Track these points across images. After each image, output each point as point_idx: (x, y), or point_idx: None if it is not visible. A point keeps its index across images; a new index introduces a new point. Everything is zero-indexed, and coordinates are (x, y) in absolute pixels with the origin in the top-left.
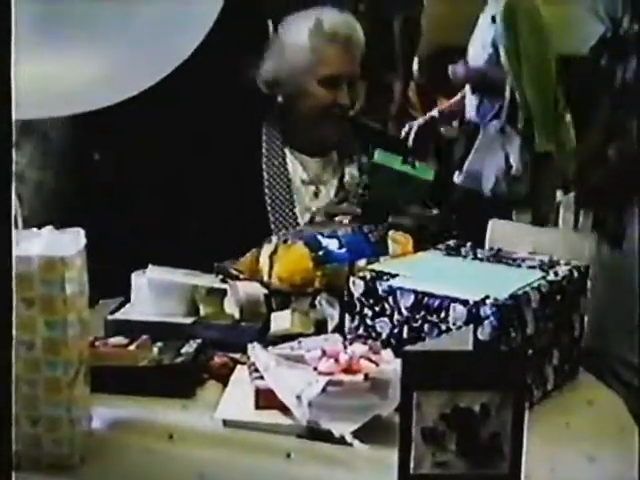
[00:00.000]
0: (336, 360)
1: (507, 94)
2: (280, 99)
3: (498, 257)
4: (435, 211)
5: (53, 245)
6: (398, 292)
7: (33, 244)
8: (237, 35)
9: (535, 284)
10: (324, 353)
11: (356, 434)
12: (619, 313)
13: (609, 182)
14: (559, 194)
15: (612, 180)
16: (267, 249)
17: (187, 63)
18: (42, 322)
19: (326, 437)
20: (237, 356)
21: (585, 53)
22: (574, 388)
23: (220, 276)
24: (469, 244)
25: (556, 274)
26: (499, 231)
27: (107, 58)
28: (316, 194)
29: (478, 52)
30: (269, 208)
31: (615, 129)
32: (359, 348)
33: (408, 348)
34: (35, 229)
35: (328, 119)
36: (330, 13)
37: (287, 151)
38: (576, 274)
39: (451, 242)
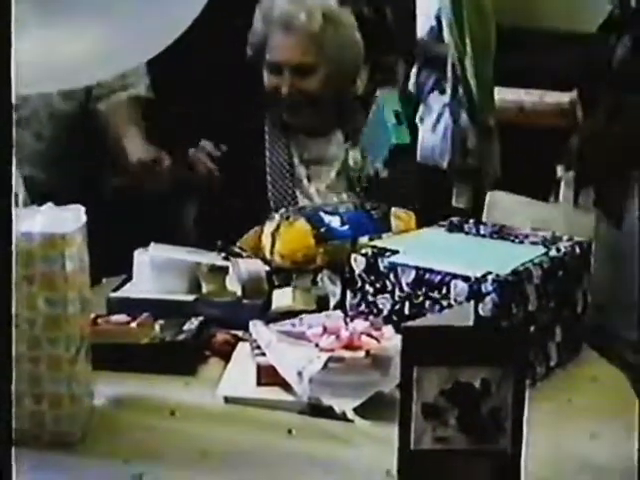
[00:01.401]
0: (337, 337)
1: (449, 68)
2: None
3: (501, 233)
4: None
5: (53, 222)
6: (399, 268)
7: (34, 221)
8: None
9: (537, 260)
10: (325, 330)
11: (357, 410)
12: (618, 291)
13: (610, 159)
14: (559, 170)
15: (613, 157)
16: (269, 226)
17: (193, 40)
18: (43, 299)
19: (327, 413)
20: (239, 333)
21: (592, 31)
22: (577, 365)
23: (222, 254)
24: (472, 220)
25: (558, 250)
26: (498, 203)
27: (103, 31)
28: (309, 177)
29: (422, 23)
30: (269, 186)
31: (617, 106)
32: (360, 324)
33: (408, 324)
34: (35, 206)
35: (279, 105)
36: None
37: (291, 133)
38: (578, 250)
39: (454, 219)
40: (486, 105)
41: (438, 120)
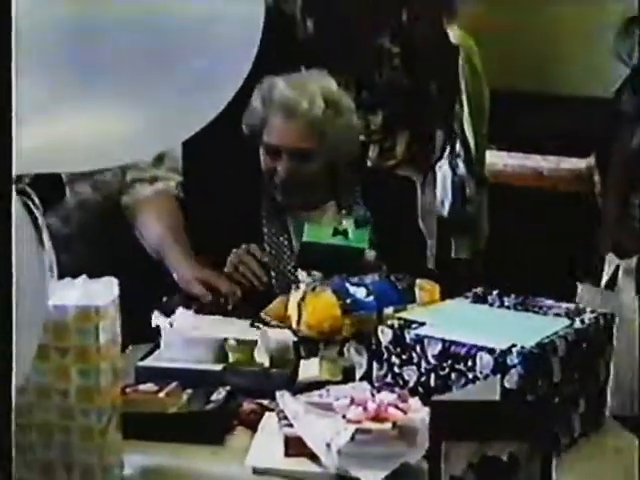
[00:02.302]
0: (364, 408)
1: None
2: None
3: (525, 305)
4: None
5: (87, 295)
6: (425, 340)
7: (68, 294)
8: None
9: (561, 332)
10: (352, 401)
11: None
12: None
13: None
14: (612, 256)
15: None
16: (295, 296)
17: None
18: (76, 370)
19: None
20: (266, 402)
21: (609, 96)
22: (601, 435)
23: (250, 321)
24: (495, 292)
25: (582, 322)
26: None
27: (143, 112)
28: None
29: None
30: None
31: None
32: (387, 396)
33: (436, 398)
34: (69, 278)
35: (274, 185)
36: (292, 78)
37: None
38: (602, 322)
39: (478, 290)
40: (480, 158)
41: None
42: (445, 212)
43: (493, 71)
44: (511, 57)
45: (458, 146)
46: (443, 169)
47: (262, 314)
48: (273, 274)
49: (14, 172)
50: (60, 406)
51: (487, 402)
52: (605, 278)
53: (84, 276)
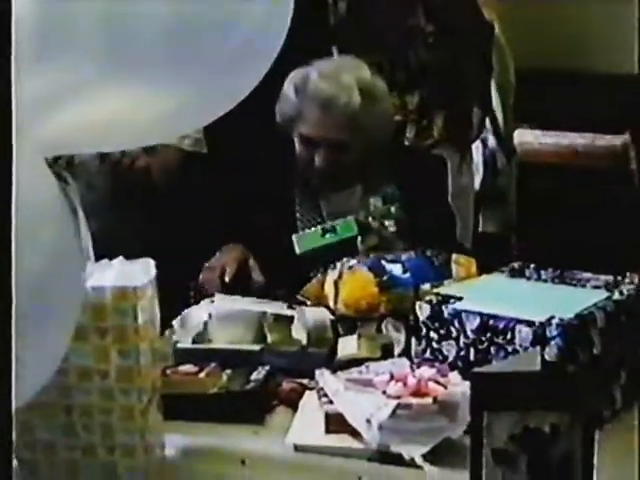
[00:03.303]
0: (404, 383)
1: None
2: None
3: (562, 278)
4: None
5: (125, 276)
6: (464, 315)
7: (105, 275)
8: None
9: (600, 304)
10: (392, 377)
11: (427, 456)
12: None
13: None
14: None
15: None
16: (332, 275)
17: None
18: (115, 351)
19: (397, 460)
20: (305, 382)
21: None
22: None
23: (287, 303)
24: (532, 266)
25: (621, 293)
26: None
27: (170, 95)
28: None
29: None
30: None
31: None
32: (427, 371)
33: (476, 370)
34: (106, 260)
35: (306, 178)
36: (324, 68)
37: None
38: None
39: (515, 264)
40: (509, 131)
41: None
42: (476, 185)
43: (527, 50)
44: (545, 35)
45: (487, 120)
46: (474, 143)
47: (299, 295)
48: None
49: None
50: (101, 387)
51: (527, 373)
52: None
53: (121, 257)
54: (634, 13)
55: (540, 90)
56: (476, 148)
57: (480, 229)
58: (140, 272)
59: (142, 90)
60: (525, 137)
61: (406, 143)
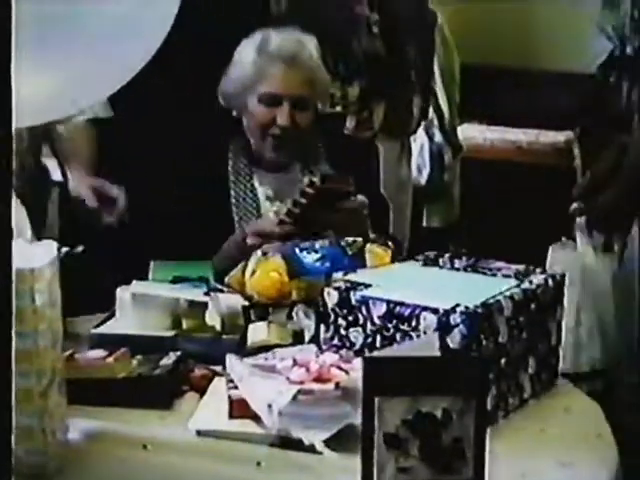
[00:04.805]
0: (307, 369)
1: None
2: (235, 114)
3: (475, 267)
4: None
5: (23, 257)
6: (370, 302)
7: None
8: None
9: (508, 293)
10: (295, 362)
11: (330, 442)
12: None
13: (619, 203)
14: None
15: (621, 201)
16: (251, 263)
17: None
18: (14, 333)
19: (297, 446)
20: (218, 369)
21: (593, 71)
22: (552, 396)
23: (203, 289)
24: (447, 255)
25: (530, 283)
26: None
27: (61, 68)
28: (277, 212)
29: None
30: (237, 225)
31: (624, 148)
32: (330, 357)
33: (369, 354)
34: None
35: (267, 138)
36: (281, 32)
37: (253, 168)
38: (552, 282)
39: (430, 253)
40: (454, 126)
41: (414, 141)
42: (423, 180)
43: (473, 46)
44: (493, 32)
45: (431, 114)
46: (420, 137)
47: (224, 282)
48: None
49: None
50: None
51: (419, 358)
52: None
53: (21, 239)
54: (587, 11)
55: (487, 86)
56: (422, 144)
57: (424, 224)
58: (41, 254)
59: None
60: (470, 132)
61: (346, 134)
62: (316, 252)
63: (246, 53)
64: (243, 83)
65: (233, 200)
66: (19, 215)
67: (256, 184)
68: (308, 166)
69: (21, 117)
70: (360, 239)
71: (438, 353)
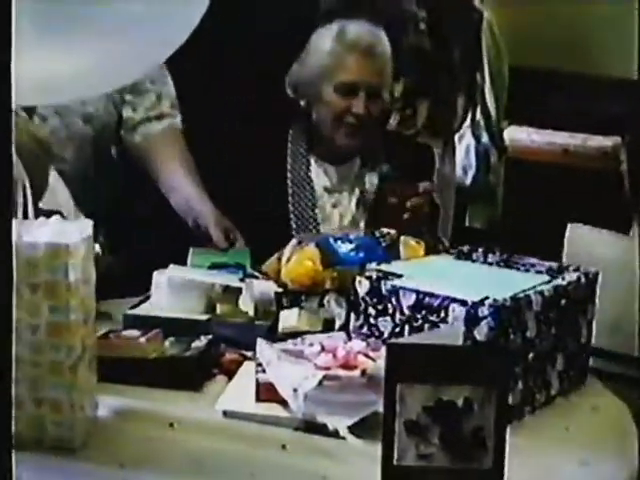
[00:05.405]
0: (334, 355)
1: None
2: (303, 104)
3: (508, 262)
4: None
5: (59, 233)
6: (400, 292)
7: (41, 232)
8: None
9: (539, 288)
10: (323, 348)
11: (354, 429)
12: None
13: None
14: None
15: None
16: (287, 251)
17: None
18: (46, 306)
19: (322, 431)
20: (249, 353)
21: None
22: (580, 395)
23: (239, 276)
24: (481, 249)
25: (563, 279)
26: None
27: (95, 49)
28: (334, 205)
29: None
30: (292, 215)
31: None
32: (358, 344)
33: (392, 341)
34: (44, 218)
35: (341, 127)
36: (357, 24)
37: (312, 158)
38: (584, 280)
39: (464, 247)
40: (500, 128)
41: (460, 141)
42: (467, 181)
43: (523, 48)
44: (543, 34)
45: (478, 115)
46: (466, 138)
47: (260, 269)
48: (294, 224)
49: None
50: (31, 341)
51: (443, 346)
52: None
53: (58, 216)
54: (635, 17)
55: (535, 89)
56: (468, 144)
57: (467, 224)
58: (75, 231)
59: (68, 46)
60: (517, 134)
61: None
62: (350, 242)
63: (323, 42)
64: (320, 72)
65: (289, 190)
66: (63, 195)
67: (313, 174)
68: (367, 163)
69: (53, 93)
70: (394, 231)
71: (461, 343)
